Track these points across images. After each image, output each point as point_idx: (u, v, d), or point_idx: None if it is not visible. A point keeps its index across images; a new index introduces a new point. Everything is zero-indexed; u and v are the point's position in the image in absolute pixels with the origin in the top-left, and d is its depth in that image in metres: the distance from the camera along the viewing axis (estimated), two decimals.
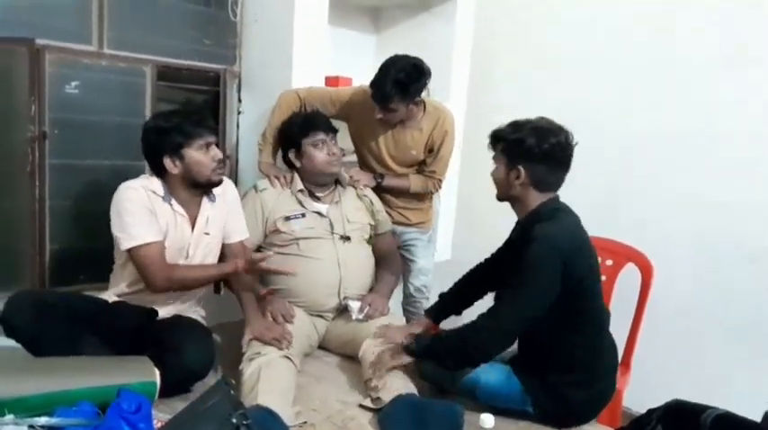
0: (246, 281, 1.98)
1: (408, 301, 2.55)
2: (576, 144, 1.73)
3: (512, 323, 1.66)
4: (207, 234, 1.94)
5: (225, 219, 2.01)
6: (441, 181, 2.49)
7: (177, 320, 1.92)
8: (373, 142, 2.36)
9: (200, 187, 1.90)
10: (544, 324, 1.70)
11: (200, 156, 1.84)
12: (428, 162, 2.43)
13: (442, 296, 2.09)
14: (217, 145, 1.90)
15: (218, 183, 1.91)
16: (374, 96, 2.18)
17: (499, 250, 2.00)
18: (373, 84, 2.17)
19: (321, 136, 2.14)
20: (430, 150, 2.41)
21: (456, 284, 2.08)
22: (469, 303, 2.04)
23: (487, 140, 1.79)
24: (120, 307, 1.89)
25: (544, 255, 1.62)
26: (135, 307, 1.90)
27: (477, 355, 1.69)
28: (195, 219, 1.92)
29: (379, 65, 2.21)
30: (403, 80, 2.13)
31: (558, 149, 1.69)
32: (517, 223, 1.85)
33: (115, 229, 1.81)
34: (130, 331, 1.84)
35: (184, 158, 1.83)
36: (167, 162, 1.83)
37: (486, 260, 2.05)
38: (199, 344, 1.80)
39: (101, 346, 1.79)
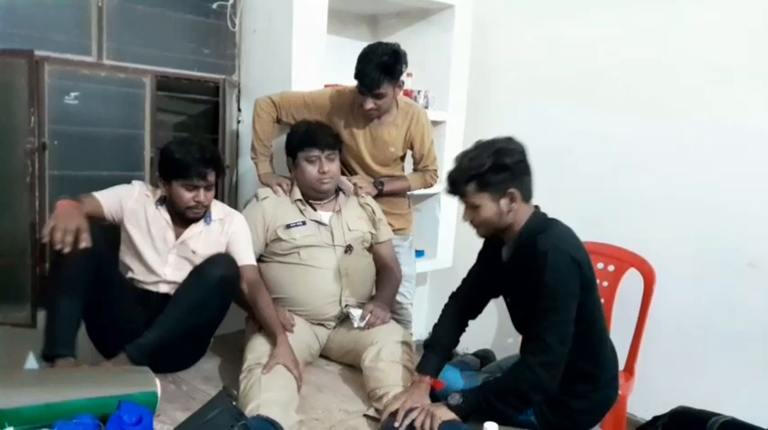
0: (272, 315, 1.96)
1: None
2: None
3: (560, 351, 1.58)
4: (194, 252, 1.97)
5: (220, 246, 2.00)
6: (436, 171, 2.55)
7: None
8: (352, 142, 2.36)
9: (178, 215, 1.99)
10: None
11: (183, 192, 1.92)
12: (418, 160, 2.50)
13: (427, 347, 1.86)
14: (210, 187, 1.96)
15: (194, 219, 1.99)
16: (362, 85, 2.17)
17: (476, 273, 1.90)
18: (359, 73, 2.17)
19: (315, 152, 2.12)
20: (411, 147, 2.45)
21: (439, 329, 1.89)
22: (457, 342, 1.91)
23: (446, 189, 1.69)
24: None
25: (563, 268, 1.56)
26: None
27: (538, 395, 1.60)
28: (182, 231, 1.99)
29: None
30: (387, 62, 2.15)
31: (525, 156, 1.67)
32: (489, 243, 1.83)
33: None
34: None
35: (171, 189, 1.94)
36: (160, 181, 1.98)
37: (460, 291, 1.94)
38: (226, 258, 1.95)
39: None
